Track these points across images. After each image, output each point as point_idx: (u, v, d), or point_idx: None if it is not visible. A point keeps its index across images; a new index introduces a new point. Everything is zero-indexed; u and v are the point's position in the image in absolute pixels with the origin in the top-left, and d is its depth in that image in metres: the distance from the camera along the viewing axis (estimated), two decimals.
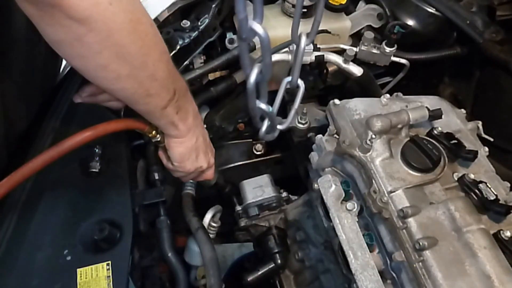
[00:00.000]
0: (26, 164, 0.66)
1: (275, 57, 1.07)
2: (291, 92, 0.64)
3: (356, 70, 1.12)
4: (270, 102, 0.59)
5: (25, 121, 0.85)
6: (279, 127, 0.64)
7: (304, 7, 1.10)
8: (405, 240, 0.72)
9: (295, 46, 1.15)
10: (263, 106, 0.55)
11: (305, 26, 0.60)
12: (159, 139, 0.81)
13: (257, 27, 0.42)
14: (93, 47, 0.57)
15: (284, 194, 1.11)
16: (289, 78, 0.61)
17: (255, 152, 1.26)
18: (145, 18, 0.62)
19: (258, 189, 1.08)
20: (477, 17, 1.25)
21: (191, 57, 1.15)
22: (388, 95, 0.94)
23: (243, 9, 0.39)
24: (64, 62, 0.97)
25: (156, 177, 0.96)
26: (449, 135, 0.85)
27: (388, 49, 1.18)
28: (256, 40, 0.45)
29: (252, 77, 0.48)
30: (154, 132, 0.80)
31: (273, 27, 1.15)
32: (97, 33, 0.55)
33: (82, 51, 0.58)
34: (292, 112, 0.66)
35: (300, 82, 0.62)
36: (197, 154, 0.85)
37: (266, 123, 0.61)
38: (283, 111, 0.84)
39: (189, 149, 0.82)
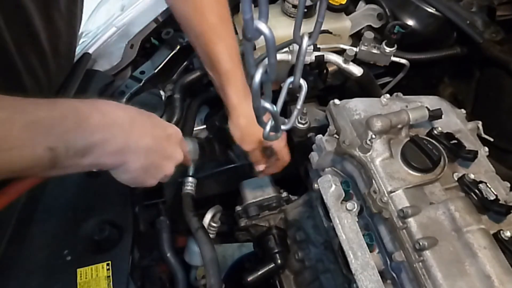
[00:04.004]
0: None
1: None
2: (291, 92, 0.64)
3: (356, 70, 1.12)
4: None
5: None
6: (282, 127, 0.64)
7: (305, 7, 1.10)
8: (405, 240, 0.72)
9: (295, 46, 1.15)
10: (267, 105, 0.55)
11: (305, 26, 0.60)
12: None
13: (263, 27, 0.41)
14: None
15: (284, 194, 1.11)
16: (291, 79, 0.61)
17: None
18: None
19: (258, 189, 1.08)
20: (477, 17, 1.25)
21: (191, 57, 1.15)
22: (388, 95, 0.94)
23: (249, 9, 0.39)
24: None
25: None
26: (449, 135, 0.85)
27: (388, 49, 1.17)
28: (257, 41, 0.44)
29: (257, 77, 0.48)
30: None
31: (273, 27, 1.13)
32: None
33: None
34: (296, 113, 0.66)
35: (303, 82, 0.62)
36: (156, 166, 0.67)
37: (270, 123, 0.61)
38: (283, 112, 0.84)
39: (138, 172, 0.64)
